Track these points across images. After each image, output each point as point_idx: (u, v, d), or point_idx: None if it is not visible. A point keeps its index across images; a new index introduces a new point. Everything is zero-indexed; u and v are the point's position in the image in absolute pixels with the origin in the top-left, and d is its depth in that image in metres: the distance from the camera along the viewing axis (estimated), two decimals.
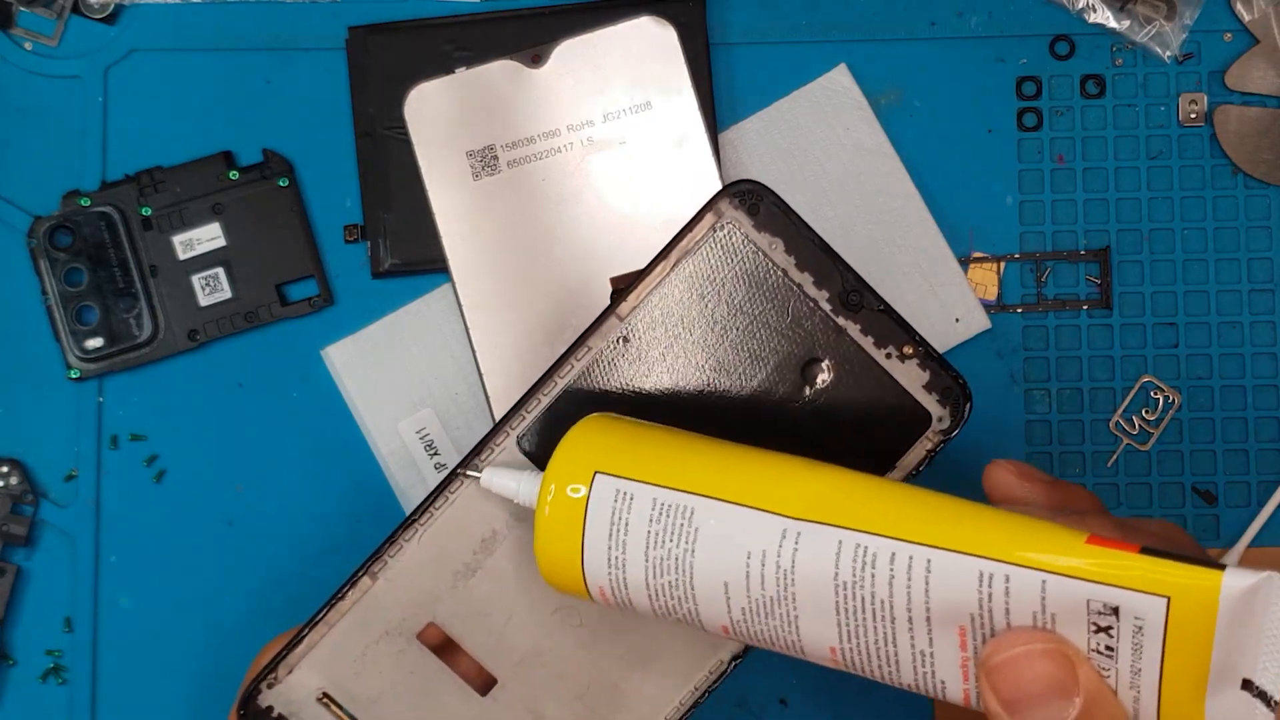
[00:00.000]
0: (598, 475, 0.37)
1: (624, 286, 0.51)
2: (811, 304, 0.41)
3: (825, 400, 0.42)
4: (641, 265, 0.51)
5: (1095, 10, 0.52)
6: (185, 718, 0.52)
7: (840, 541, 0.34)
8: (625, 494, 0.37)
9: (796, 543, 0.35)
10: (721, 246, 0.42)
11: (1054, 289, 0.52)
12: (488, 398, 0.51)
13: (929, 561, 0.33)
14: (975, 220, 0.52)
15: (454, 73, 0.52)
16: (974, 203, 0.53)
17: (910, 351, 0.41)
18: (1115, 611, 0.31)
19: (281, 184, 0.52)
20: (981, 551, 0.33)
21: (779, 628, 0.35)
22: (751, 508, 0.35)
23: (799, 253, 0.42)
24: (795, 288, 0.41)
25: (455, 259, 0.51)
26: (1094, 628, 0.32)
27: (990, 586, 0.32)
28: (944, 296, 0.52)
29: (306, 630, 0.42)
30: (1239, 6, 0.53)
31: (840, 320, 0.41)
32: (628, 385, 0.42)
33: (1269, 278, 0.52)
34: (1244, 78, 0.53)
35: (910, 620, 0.34)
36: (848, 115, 0.52)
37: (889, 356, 0.41)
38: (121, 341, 0.52)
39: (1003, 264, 0.52)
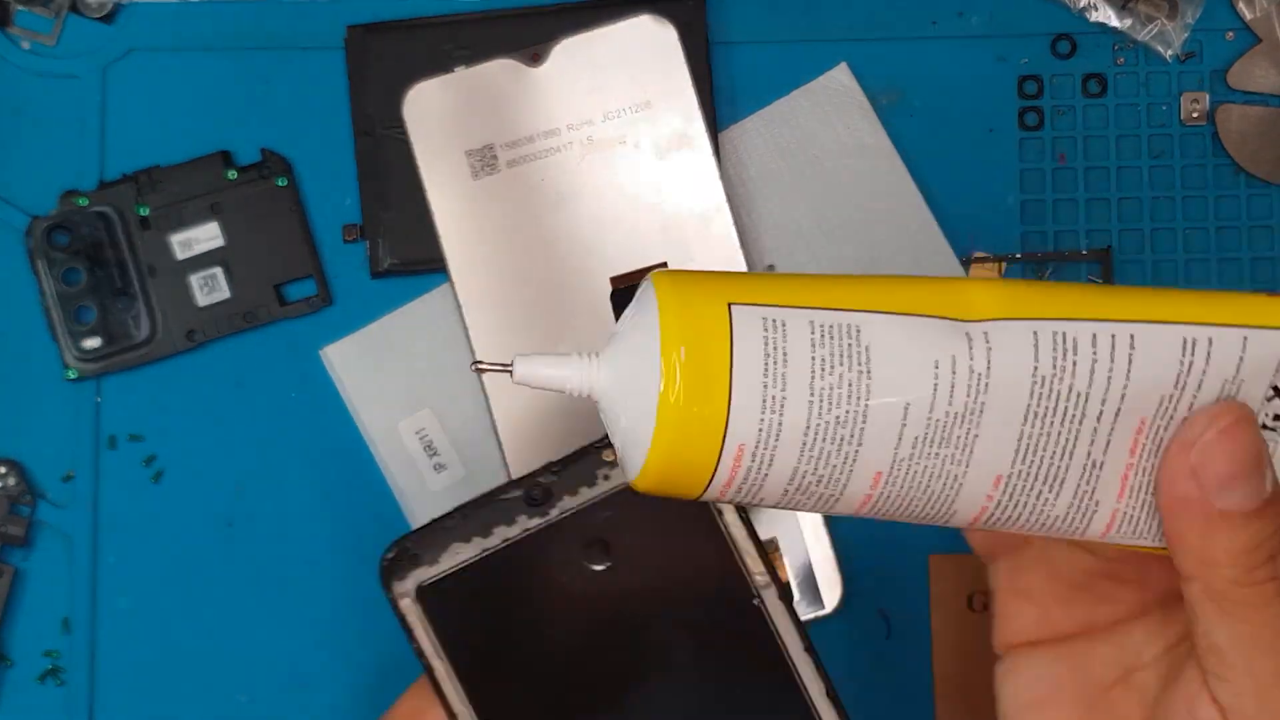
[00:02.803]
0: (734, 308, 0.31)
1: (624, 286, 0.51)
2: None
3: None
4: (642, 265, 0.51)
5: (1097, 9, 0.52)
6: (184, 718, 0.51)
7: (1035, 332, 0.31)
8: (775, 321, 0.31)
9: (988, 341, 0.31)
10: None
11: None
12: (487, 398, 0.51)
13: (1132, 337, 0.31)
14: (976, 220, 0.52)
15: (453, 72, 0.51)
16: (975, 202, 0.52)
17: None
18: None
19: (280, 184, 0.52)
20: (1183, 318, 0.32)
21: (949, 459, 0.32)
22: (929, 316, 0.32)
23: None
24: None
25: (454, 259, 0.51)
26: (1272, 393, 0.32)
27: (1193, 355, 0.31)
28: None
29: None
30: (1241, 5, 0.53)
31: None
32: None
33: (1272, 278, 0.52)
34: (1246, 77, 0.52)
35: (1099, 416, 0.32)
36: (848, 115, 0.52)
37: None
38: (119, 341, 0.52)
39: (1004, 264, 0.52)
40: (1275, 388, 0.32)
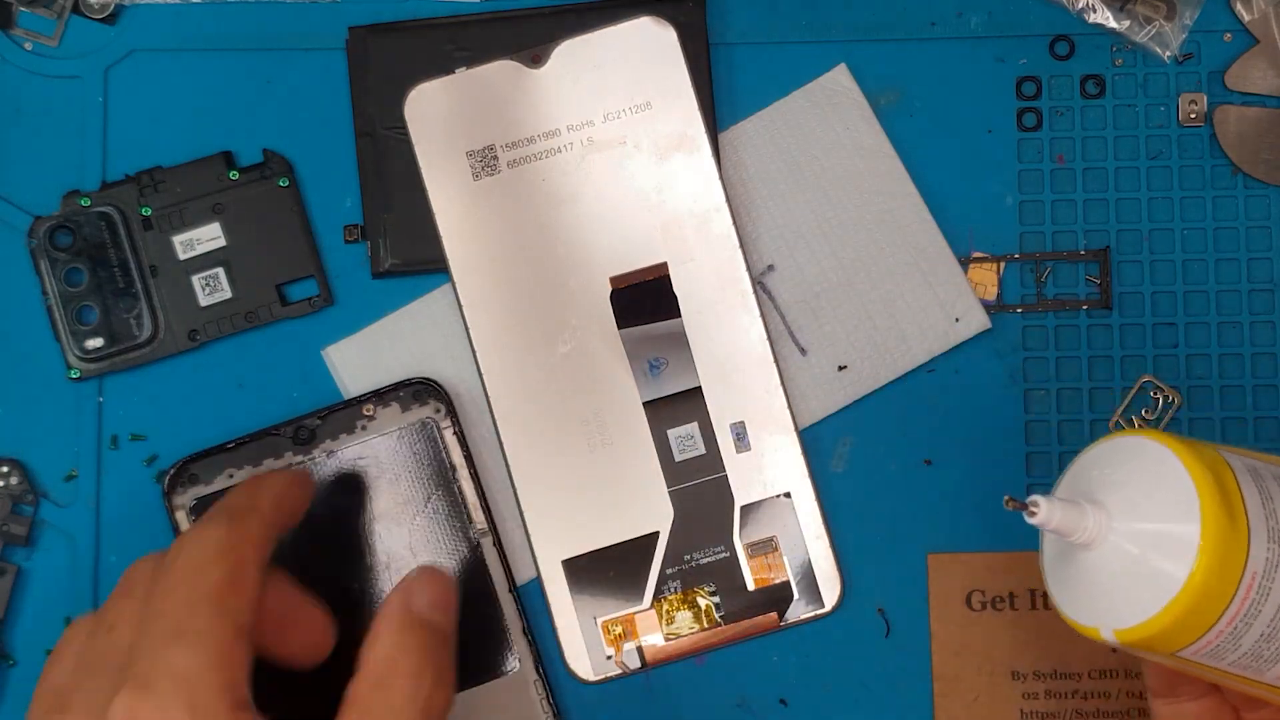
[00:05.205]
0: (1222, 452, 0.37)
1: (624, 286, 0.51)
2: None
3: None
4: (642, 265, 0.51)
5: (1095, 10, 0.52)
6: None
7: None
8: (1252, 466, 0.36)
9: None
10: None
11: (1054, 289, 0.52)
12: (488, 398, 0.51)
13: None
14: (975, 220, 0.52)
15: (454, 73, 0.52)
16: (974, 203, 0.53)
17: None
18: None
19: (281, 184, 0.52)
20: None
21: None
22: None
23: None
24: None
25: (455, 259, 0.51)
26: None
27: None
28: (944, 296, 0.52)
29: None
30: (1239, 6, 0.53)
31: None
32: None
33: (1269, 278, 0.52)
34: (1244, 78, 0.53)
35: None
36: (848, 115, 0.52)
37: None
38: (121, 341, 0.52)
39: (1002, 264, 0.52)
40: None
